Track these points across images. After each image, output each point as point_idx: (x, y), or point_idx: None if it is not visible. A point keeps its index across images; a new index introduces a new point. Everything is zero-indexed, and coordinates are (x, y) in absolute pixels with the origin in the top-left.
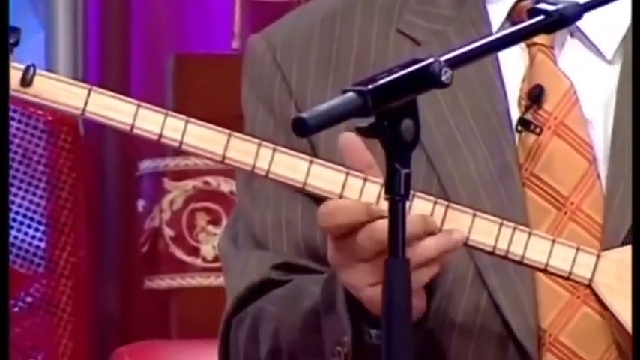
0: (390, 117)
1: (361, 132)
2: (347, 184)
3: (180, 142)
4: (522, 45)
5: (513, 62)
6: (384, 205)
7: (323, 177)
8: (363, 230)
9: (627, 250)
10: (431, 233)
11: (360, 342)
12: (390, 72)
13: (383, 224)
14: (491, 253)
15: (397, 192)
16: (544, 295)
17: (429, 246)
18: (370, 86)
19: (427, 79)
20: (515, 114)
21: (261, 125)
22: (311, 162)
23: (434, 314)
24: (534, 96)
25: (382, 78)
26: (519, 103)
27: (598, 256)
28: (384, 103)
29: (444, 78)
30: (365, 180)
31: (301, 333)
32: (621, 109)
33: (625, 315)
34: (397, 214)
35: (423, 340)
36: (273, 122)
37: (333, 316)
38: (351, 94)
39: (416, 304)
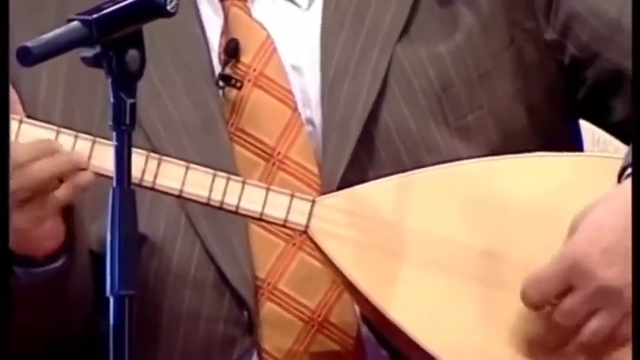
0: (115, 47)
1: (86, 62)
2: (58, 141)
3: None
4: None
5: (213, 16)
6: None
7: (33, 135)
8: (21, 171)
9: (340, 194)
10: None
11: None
12: (116, 1)
13: (39, 165)
14: (206, 205)
15: (123, 122)
16: (258, 245)
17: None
18: (95, 15)
19: (153, 8)
20: (218, 69)
21: None
22: (21, 121)
23: (147, 263)
24: (230, 50)
25: (107, 7)
26: (219, 59)
27: (313, 203)
28: (110, 33)
29: (169, 7)
30: (76, 137)
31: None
32: (326, 54)
33: (340, 259)
34: (123, 144)
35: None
36: None
37: None
38: (76, 23)
39: (54, 227)
